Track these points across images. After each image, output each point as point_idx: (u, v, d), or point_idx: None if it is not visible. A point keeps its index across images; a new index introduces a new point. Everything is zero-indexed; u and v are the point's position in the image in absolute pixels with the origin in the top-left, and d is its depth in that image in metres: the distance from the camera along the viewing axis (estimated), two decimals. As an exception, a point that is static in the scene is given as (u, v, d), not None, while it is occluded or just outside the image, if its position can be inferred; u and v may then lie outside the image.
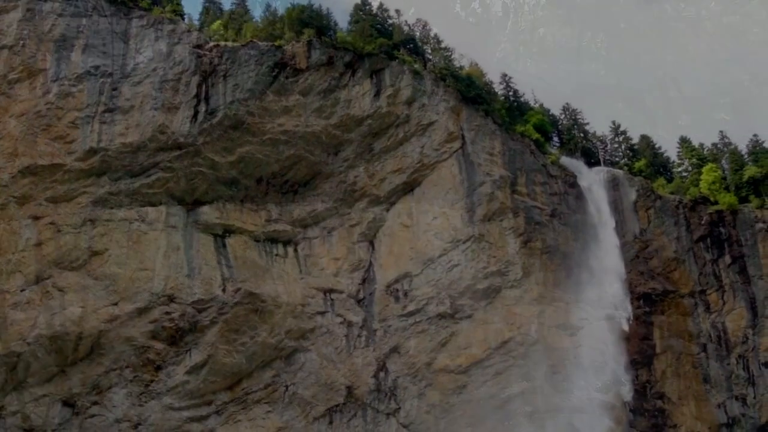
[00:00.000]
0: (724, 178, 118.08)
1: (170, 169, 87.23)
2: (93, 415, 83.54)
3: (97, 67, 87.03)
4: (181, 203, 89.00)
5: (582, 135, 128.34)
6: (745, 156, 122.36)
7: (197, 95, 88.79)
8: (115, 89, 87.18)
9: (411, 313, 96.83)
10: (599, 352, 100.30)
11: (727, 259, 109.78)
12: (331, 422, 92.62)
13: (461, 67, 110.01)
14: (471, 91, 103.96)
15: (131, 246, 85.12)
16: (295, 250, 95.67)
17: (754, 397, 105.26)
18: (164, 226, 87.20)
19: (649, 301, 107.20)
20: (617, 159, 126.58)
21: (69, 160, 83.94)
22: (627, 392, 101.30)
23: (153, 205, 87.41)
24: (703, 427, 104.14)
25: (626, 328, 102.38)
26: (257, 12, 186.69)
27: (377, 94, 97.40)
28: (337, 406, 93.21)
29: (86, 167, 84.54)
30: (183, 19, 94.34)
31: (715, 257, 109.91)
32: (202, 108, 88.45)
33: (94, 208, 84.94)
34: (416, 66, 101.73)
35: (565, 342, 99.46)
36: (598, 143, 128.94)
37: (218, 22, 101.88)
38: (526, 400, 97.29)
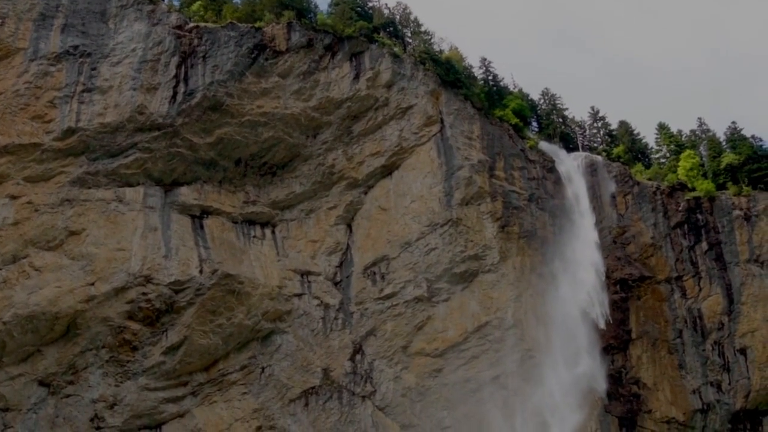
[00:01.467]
0: (702, 165, 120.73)
1: (148, 149, 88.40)
2: (69, 395, 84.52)
3: (76, 47, 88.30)
4: (159, 184, 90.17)
5: (561, 120, 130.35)
6: (723, 143, 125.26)
7: (176, 76, 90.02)
8: (93, 69, 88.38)
9: (388, 296, 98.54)
10: (573, 345, 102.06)
11: (704, 245, 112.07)
12: (306, 404, 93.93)
13: (441, 51, 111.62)
14: (450, 75, 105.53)
15: (108, 226, 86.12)
16: (273, 232, 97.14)
17: (729, 383, 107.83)
18: (142, 207, 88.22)
19: (625, 286, 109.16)
20: (596, 145, 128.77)
21: (47, 140, 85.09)
22: (601, 384, 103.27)
23: (131, 185, 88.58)
24: (677, 413, 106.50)
25: (602, 324, 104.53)
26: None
27: (357, 77, 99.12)
28: (313, 388, 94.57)
29: (64, 147, 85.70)
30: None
31: (691, 244, 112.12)
32: (181, 89, 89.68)
33: (71, 187, 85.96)
34: (396, 49, 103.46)
35: (540, 330, 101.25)
36: (577, 129, 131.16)
37: (198, 3, 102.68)
38: (502, 384, 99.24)
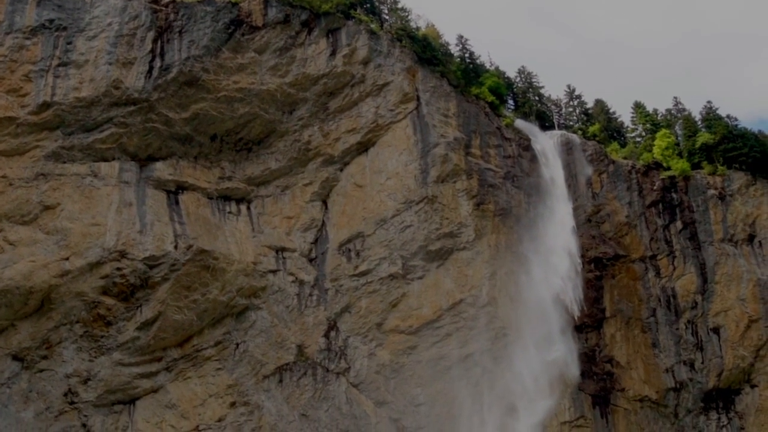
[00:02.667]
0: (677, 144, 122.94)
1: (124, 124, 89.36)
2: (42, 370, 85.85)
3: (51, 21, 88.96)
4: (135, 159, 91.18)
5: (537, 98, 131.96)
6: (699, 122, 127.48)
7: (152, 51, 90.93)
8: (69, 43, 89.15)
9: (363, 273, 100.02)
10: (546, 329, 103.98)
11: (679, 224, 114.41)
12: (281, 380, 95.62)
13: (417, 28, 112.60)
14: (427, 53, 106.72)
15: (83, 201, 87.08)
16: (248, 208, 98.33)
17: (702, 362, 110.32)
18: (117, 182, 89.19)
19: (599, 265, 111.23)
20: (571, 123, 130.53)
21: (22, 114, 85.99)
22: (574, 372, 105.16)
23: (106, 160, 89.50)
24: (650, 391, 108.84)
25: (576, 312, 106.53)
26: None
27: (333, 54, 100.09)
28: (287, 364, 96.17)
29: (39, 121, 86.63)
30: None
31: (666, 223, 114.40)
32: (157, 64, 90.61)
33: (46, 162, 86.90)
34: (373, 26, 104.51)
35: (514, 309, 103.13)
36: (553, 107, 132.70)
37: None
38: (476, 361, 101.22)
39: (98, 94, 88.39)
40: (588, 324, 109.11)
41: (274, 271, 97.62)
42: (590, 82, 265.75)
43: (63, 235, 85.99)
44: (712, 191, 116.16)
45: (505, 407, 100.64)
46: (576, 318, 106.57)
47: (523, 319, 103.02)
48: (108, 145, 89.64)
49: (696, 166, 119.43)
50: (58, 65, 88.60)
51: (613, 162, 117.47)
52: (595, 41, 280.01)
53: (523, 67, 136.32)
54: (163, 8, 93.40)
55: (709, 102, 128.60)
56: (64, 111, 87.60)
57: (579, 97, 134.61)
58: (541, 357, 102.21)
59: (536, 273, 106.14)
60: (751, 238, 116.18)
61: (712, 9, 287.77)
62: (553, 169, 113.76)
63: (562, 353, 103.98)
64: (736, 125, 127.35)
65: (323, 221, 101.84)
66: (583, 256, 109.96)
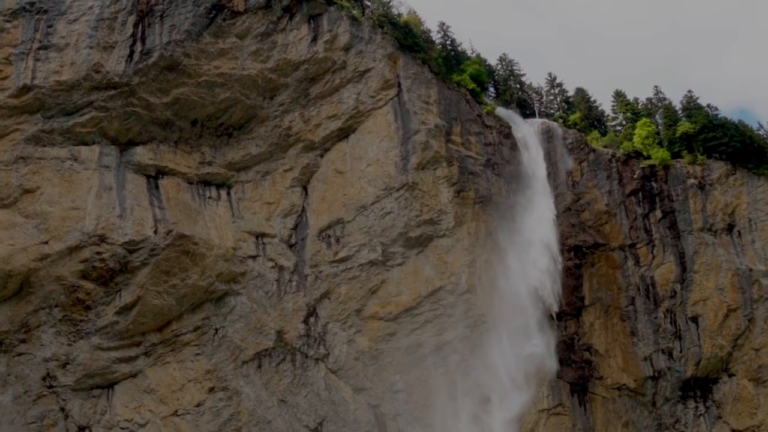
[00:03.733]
0: (658, 133, 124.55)
1: (104, 108, 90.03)
2: (21, 354, 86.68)
3: (32, 4, 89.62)
4: (115, 143, 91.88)
5: (518, 86, 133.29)
6: (679, 111, 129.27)
7: (133, 35, 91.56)
8: (50, 26, 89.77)
9: (342, 260, 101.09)
10: (523, 321, 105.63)
11: (658, 213, 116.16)
12: (260, 366, 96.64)
13: (399, 15, 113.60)
14: (408, 39, 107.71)
15: (63, 185, 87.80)
16: (228, 194, 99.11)
17: (681, 351, 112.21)
18: (97, 166, 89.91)
19: (579, 253, 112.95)
20: (552, 111, 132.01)
21: (2, 97, 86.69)
22: (551, 368, 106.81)
23: (86, 144, 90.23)
24: (629, 380, 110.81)
25: (555, 307, 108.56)
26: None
27: (314, 39, 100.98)
28: (266, 350, 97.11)
29: (19, 104, 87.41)
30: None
31: (646, 211, 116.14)
32: (138, 48, 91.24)
33: (26, 145, 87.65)
34: (354, 12, 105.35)
35: (493, 298, 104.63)
36: (534, 95, 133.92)
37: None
38: (454, 349, 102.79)
39: (79, 77, 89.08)
40: (567, 312, 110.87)
41: (253, 257, 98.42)
42: (571, 71, 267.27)
43: (42, 218, 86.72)
44: (691, 180, 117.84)
45: (479, 399, 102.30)
46: (554, 314, 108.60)
47: (500, 309, 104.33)
48: (88, 129, 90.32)
49: (676, 156, 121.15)
50: (39, 48, 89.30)
51: (594, 150, 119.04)
52: (576, 30, 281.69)
53: (504, 54, 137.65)
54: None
55: (689, 91, 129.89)
56: (45, 94, 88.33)
57: (560, 85, 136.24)
58: (517, 350, 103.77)
59: (515, 264, 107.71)
60: (730, 228, 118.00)
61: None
62: (533, 157, 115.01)
63: (540, 349, 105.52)
64: (717, 115, 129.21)
65: (303, 207, 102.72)
66: (562, 245, 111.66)
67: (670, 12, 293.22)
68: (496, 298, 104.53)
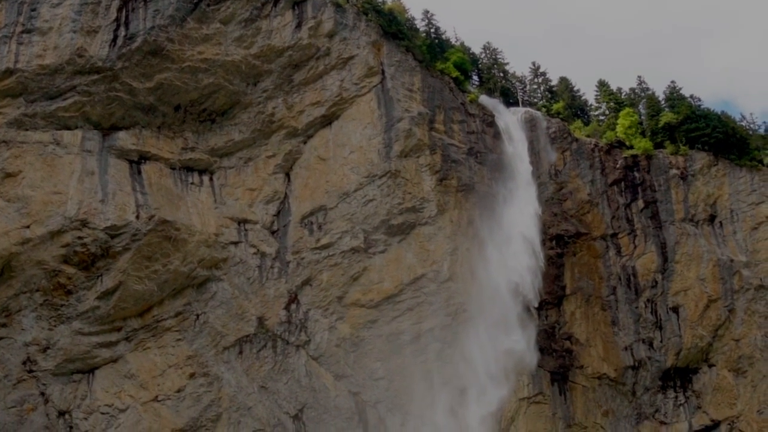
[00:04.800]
0: (641, 123, 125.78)
1: (87, 93, 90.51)
2: (1, 338, 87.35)
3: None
4: (97, 128, 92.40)
5: (501, 75, 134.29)
6: (662, 102, 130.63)
7: (117, 19, 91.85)
8: (33, 10, 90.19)
9: (324, 246, 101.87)
10: (502, 314, 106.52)
11: (640, 203, 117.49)
12: (241, 352, 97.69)
13: (383, 2, 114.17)
14: (392, 27, 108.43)
15: (45, 169, 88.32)
16: (211, 180, 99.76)
17: (661, 341, 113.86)
18: (79, 150, 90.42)
19: (561, 242, 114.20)
20: (536, 100, 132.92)
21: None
22: (529, 361, 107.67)
23: (69, 128, 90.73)
24: (609, 369, 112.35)
25: (534, 302, 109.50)
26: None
27: (299, 26, 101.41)
28: (247, 336, 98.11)
29: (2, 88, 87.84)
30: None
31: (628, 201, 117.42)
32: (122, 33, 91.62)
33: (8, 129, 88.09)
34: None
35: (473, 289, 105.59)
36: (518, 84, 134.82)
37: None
38: (435, 337, 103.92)
39: (62, 62, 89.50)
40: (548, 301, 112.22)
41: (235, 243, 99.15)
42: (555, 60, 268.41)
43: (24, 202, 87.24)
44: (674, 171, 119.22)
45: (456, 389, 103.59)
46: (533, 309, 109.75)
47: (480, 299, 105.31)
48: (71, 113, 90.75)
49: (659, 146, 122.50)
50: (22, 32, 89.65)
51: (577, 140, 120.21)
52: (560, 19, 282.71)
53: (488, 43, 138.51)
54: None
55: (673, 82, 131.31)
56: (27, 78, 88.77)
57: (543, 74, 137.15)
58: (495, 343, 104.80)
59: (496, 255, 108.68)
60: (711, 219, 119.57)
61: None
62: (516, 146, 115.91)
63: (520, 345, 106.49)
64: (700, 106, 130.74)
65: (286, 194, 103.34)
66: (544, 234, 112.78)
67: (655, 3, 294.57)
68: (477, 288, 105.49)
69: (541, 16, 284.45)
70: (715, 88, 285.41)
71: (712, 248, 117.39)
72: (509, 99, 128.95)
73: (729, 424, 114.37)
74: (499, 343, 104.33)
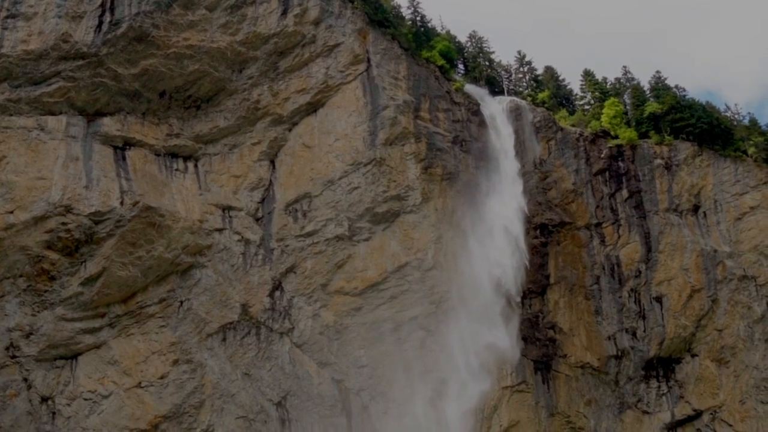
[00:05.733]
0: (626, 113, 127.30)
1: (72, 78, 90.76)
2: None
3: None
4: (82, 114, 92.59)
5: (487, 63, 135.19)
6: (647, 92, 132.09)
7: (102, 5, 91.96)
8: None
9: (309, 234, 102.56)
10: (484, 307, 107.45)
11: (624, 193, 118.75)
12: (224, 339, 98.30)
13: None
14: (378, 14, 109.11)
15: (29, 154, 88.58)
16: (196, 166, 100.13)
17: (644, 331, 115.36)
18: (64, 136, 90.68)
19: (545, 231, 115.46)
20: (521, 89, 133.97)
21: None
22: (511, 357, 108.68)
23: (53, 114, 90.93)
24: (592, 358, 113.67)
25: (516, 297, 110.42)
26: None
27: (284, 13, 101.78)
28: (231, 323, 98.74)
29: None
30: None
31: (612, 191, 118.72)
32: (107, 18, 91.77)
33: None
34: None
35: (456, 277, 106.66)
36: (503, 73, 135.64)
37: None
38: (420, 324, 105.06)
39: (47, 47, 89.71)
40: (532, 290, 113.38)
41: (220, 230, 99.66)
42: (540, 49, 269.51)
43: (8, 188, 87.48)
44: (658, 161, 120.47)
45: (436, 382, 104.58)
46: (515, 304, 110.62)
47: (463, 291, 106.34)
48: (55, 98, 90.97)
49: (643, 136, 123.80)
50: (7, 17, 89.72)
51: (561, 129, 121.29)
52: (546, 8, 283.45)
53: (474, 31, 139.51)
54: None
55: (658, 72, 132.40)
56: (12, 63, 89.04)
57: (529, 63, 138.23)
58: (477, 336, 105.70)
59: (479, 246, 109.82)
60: (696, 209, 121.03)
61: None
62: (501, 135, 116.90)
63: (503, 341, 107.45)
64: (684, 96, 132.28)
65: (270, 181, 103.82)
66: (528, 223, 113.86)
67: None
68: (460, 279, 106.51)
69: (527, 5, 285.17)
70: (700, 78, 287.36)
71: (695, 238, 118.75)
72: (494, 88, 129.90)
73: (711, 413, 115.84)
74: (481, 337, 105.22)
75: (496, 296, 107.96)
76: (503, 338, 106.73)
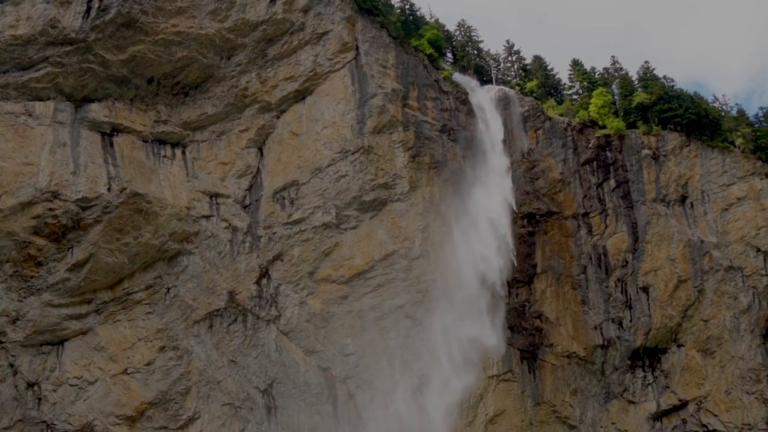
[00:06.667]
0: (614, 103, 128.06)
1: (60, 64, 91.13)
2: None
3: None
4: (70, 99, 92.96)
5: (476, 53, 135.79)
6: (636, 82, 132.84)
7: None
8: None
9: (296, 222, 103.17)
10: (468, 301, 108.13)
11: (612, 183, 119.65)
12: (211, 326, 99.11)
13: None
14: (367, 3, 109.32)
15: (17, 140, 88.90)
16: (183, 153, 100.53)
17: (630, 321, 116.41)
18: (51, 122, 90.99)
19: (532, 221, 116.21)
20: (509, 78, 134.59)
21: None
22: (494, 353, 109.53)
23: (41, 99, 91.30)
24: (578, 348, 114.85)
25: (501, 293, 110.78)
26: None
27: (273, 0, 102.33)
28: (217, 310, 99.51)
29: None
30: None
31: (600, 181, 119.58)
32: (95, 4, 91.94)
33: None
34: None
35: (442, 266, 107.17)
36: (492, 62, 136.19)
37: None
38: (406, 313, 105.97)
39: (35, 32, 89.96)
40: (518, 279, 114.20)
41: (207, 217, 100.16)
42: (529, 39, 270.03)
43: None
44: (646, 151, 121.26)
45: (419, 372, 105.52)
46: (501, 298, 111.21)
47: (448, 282, 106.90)
48: (43, 84, 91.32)
49: (631, 126, 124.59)
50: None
51: (550, 119, 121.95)
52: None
53: (462, 20, 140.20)
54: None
55: (646, 62, 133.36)
56: (0, 48, 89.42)
57: (518, 52, 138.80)
58: (461, 330, 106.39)
59: (466, 237, 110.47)
60: (683, 199, 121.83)
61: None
62: (489, 124, 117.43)
63: (490, 340, 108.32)
64: (673, 86, 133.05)
65: (258, 168, 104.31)
66: (516, 212, 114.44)
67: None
68: (445, 269, 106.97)
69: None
70: (688, 69, 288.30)
71: (682, 229, 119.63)
72: (483, 77, 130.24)
73: (697, 404, 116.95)
74: (465, 332, 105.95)
75: (481, 290, 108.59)
76: (489, 336, 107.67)
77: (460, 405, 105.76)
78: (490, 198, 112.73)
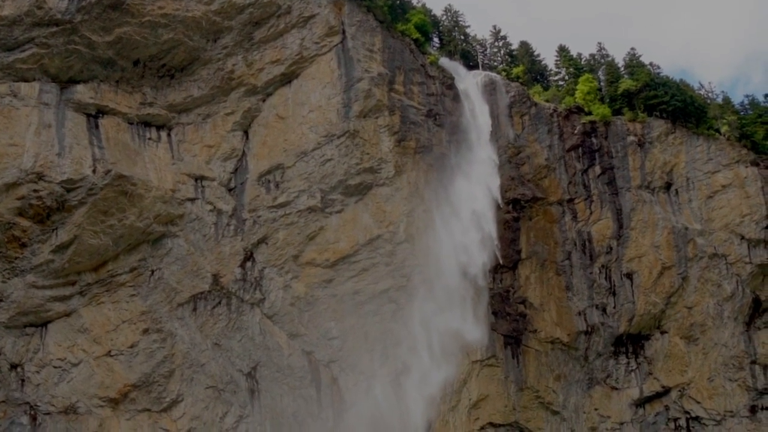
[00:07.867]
0: (600, 90, 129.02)
1: (46, 45, 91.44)
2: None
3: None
4: (55, 81, 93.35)
5: (462, 38, 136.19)
6: (621, 69, 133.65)
7: None
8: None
9: (281, 205, 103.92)
10: (448, 289, 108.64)
11: (597, 169, 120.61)
12: (195, 309, 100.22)
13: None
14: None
15: (1, 121, 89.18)
16: (169, 135, 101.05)
17: (614, 307, 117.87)
18: (36, 103, 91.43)
19: (517, 206, 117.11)
20: (496, 64, 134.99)
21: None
22: (479, 345, 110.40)
23: (26, 80, 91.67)
24: (562, 333, 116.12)
25: (482, 282, 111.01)
26: None
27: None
28: (201, 293, 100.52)
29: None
30: None
31: (585, 167, 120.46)
32: None
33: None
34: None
35: (426, 252, 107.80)
36: (478, 47, 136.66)
37: None
38: (390, 298, 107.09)
39: (21, 13, 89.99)
40: (503, 265, 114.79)
41: (192, 200, 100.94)
42: (516, 24, 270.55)
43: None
44: (631, 138, 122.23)
45: (399, 360, 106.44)
46: (484, 287, 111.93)
47: (429, 270, 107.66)
48: (29, 65, 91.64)
49: (617, 112, 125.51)
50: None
51: (536, 104, 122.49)
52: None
53: (449, 5, 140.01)
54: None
55: (632, 49, 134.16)
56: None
57: (504, 38, 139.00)
58: (441, 319, 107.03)
59: (447, 230, 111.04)
60: (668, 186, 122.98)
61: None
62: (475, 109, 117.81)
63: (471, 334, 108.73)
64: (659, 73, 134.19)
65: (244, 151, 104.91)
66: (501, 197, 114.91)
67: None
68: (426, 253, 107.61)
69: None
70: (674, 56, 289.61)
71: (667, 216, 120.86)
72: (469, 62, 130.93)
73: (680, 390, 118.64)
74: (445, 323, 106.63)
75: (462, 282, 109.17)
76: (470, 329, 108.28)
77: (443, 392, 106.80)
78: (475, 188, 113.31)
